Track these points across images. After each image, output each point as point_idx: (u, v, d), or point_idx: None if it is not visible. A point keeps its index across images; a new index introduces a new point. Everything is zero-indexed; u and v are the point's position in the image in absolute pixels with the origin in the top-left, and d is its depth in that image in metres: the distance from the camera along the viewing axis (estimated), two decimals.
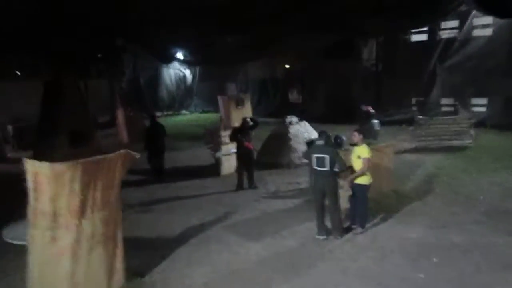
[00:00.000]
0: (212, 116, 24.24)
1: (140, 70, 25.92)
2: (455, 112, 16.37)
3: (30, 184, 4.38)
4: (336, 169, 6.68)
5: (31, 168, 4.33)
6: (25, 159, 4.32)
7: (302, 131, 12.31)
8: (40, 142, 12.27)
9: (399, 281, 5.49)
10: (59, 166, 4.37)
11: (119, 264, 5.22)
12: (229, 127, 11.19)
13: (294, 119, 12.56)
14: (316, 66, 21.85)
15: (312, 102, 22.36)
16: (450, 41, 18.54)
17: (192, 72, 29.60)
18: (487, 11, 10.53)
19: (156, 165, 11.30)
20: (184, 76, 29.47)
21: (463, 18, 17.85)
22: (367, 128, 11.80)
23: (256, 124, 10.37)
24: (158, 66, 26.94)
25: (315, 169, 6.83)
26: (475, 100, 18.28)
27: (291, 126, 12.26)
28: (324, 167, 6.67)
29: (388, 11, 12.51)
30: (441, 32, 19.31)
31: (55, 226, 4.55)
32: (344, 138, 8.00)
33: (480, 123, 15.45)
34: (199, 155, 13.65)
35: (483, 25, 17.84)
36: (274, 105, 24.09)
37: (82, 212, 4.68)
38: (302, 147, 11.42)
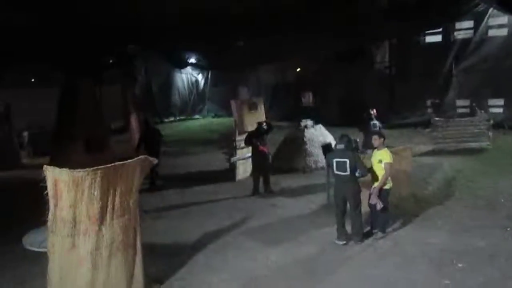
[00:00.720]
0: (224, 121, 24.25)
1: (152, 76, 26.02)
2: (471, 114, 16.14)
3: (49, 190, 4.38)
4: (357, 174, 6.56)
5: (51, 175, 4.33)
6: (45, 166, 4.32)
7: (317, 135, 12.23)
8: (56, 148, 12.40)
9: None
10: (79, 173, 4.36)
11: (138, 271, 5.17)
12: (243, 132, 11.14)
13: (309, 122, 12.48)
14: (329, 70, 21.76)
15: (325, 106, 22.26)
16: (465, 41, 18.33)
17: (204, 77, 29.72)
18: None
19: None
20: (197, 81, 29.58)
21: (478, 19, 17.66)
22: (368, 130, 11.68)
23: (270, 128, 10.31)
24: (170, 71, 27.05)
25: (336, 174, 6.74)
26: (491, 101, 18.03)
27: (306, 130, 12.17)
28: (344, 171, 6.57)
29: (401, 13, 12.47)
30: (456, 33, 19.11)
31: (75, 232, 4.54)
32: (358, 140, 7.90)
33: (497, 125, 15.23)
34: (213, 160, 13.62)
35: (499, 25, 17.64)
36: (287, 109, 24.03)
37: (101, 218, 4.66)
38: (318, 151, 11.35)
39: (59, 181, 4.35)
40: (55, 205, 4.44)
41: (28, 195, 6.27)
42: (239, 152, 11.26)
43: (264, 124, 10.26)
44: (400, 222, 7.54)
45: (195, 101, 29.44)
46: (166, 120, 26.40)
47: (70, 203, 4.43)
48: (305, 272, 5.96)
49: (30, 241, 6.20)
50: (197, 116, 29.03)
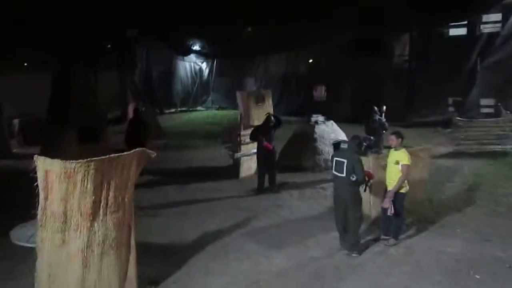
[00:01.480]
0: (229, 113, 24.27)
1: (153, 63, 25.96)
2: (496, 114, 16.01)
3: (40, 182, 4.38)
4: (352, 178, 6.43)
5: (42, 166, 4.32)
6: (36, 155, 4.32)
7: (329, 131, 12.17)
8: (48, 137, 12.45)
9: None
10: (71, 164, 4.35)
11: (132, 271, 5.19)
12: (249, 126, 11.13)
13: (320, 118, 12.43)
14: (343, 62, 21.61)
15: (338, 100, 22.16)
16: (492, 36, 18.17)
17: (208, 66, 29.63)
18: None
19: None
20: (200, 70, 29.52)
21: (506, 12, 17.49)
22: (372, 125, 11.67)
23: (279, 122, 10.29)
24: (173, 58, 27.00)
25: (333, 174, 6.74)
26: None
27: (316, 126, 12.13)
28: (341, 172, 6.53)
29: (424, 1, 12.40)
30: (482, 27, 18.95)
31: (65, 228, 4.53)
32: (372, 138, 7.88)
33: None
34: (216, 155, 13.65)
35: None
36: (297, 103, 23.97)
37: (94, 214, 4.66)
38: (329, 149, 11.31)
39: (50, 172, 4.33)
40: (46, 198, 4.43)
41: (17, 187, 6.30)
42: (243, 147, 11.26)
43: (273, 118, 10.24)
44: (414, 228, 7.52)
45: (199, 92, 29.41)
46: (166, 111, 26.34)
47: (61, 196, 4.42)
48: (310, 278, 5.96)
49: (18, 236, 6.21)
50: (200, 108, 29.02)
